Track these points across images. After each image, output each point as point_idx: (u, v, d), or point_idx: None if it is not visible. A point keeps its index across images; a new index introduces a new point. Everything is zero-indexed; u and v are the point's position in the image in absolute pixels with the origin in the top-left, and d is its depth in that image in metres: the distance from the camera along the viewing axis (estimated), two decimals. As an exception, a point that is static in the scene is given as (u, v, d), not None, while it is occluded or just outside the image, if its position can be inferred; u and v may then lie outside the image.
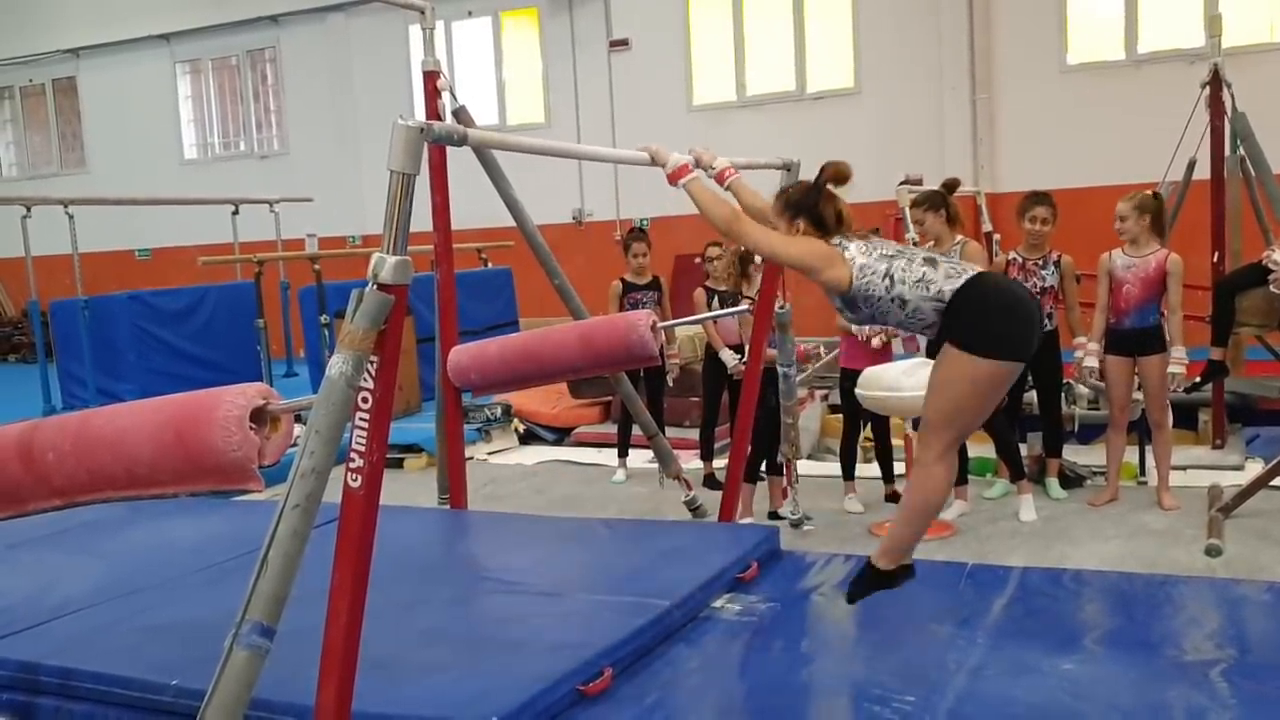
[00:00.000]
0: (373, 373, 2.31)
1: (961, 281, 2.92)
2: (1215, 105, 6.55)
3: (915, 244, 6.22)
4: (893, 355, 5.62)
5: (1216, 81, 6.53)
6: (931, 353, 3.24)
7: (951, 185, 5.62)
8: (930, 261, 2.98)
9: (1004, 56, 11.45)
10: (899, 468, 5.75)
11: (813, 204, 3.12)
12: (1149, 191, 5.62)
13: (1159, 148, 7.12)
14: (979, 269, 3.10)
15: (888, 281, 2.96)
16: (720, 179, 3.56)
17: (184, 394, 2.63)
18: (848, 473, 5.70)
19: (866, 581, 3.21)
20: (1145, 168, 7.80)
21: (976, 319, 2.90)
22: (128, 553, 4.27)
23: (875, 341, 5.54)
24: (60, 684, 3.03)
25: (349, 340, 2.26)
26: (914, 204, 5.59)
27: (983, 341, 2.88)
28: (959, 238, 5.52)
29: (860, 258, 3.01)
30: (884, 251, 3.03)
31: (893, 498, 5.63)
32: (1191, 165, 6.97)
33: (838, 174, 3.21)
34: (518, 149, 2.92)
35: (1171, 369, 5.32)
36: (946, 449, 3.03)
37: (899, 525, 3.19)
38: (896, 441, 6.13)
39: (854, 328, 5.51)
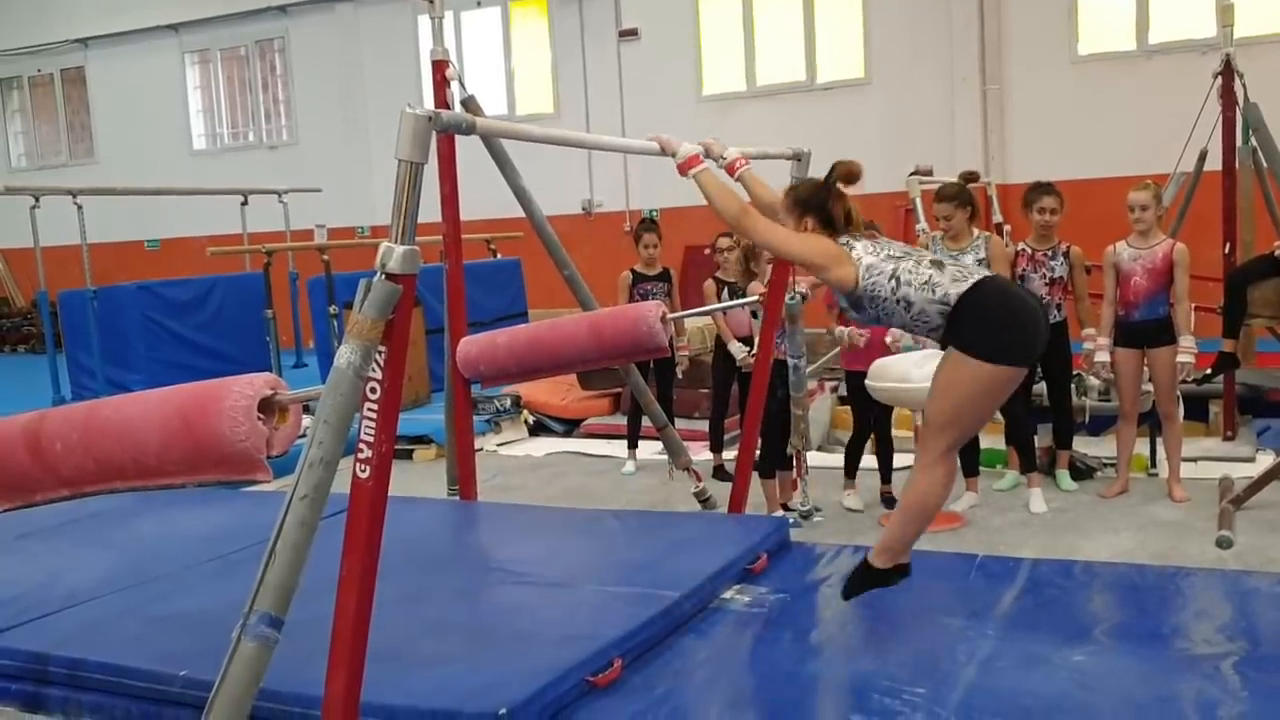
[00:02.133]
0: (381, 363, 2.30)
1: (967, 285, 2.91)
2: (1227, 96, 6.51)
3: (925, 232, 6.19)
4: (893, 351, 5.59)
5: (1228, 72, 6.48)
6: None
7: (971, 177, 5.57)
8: (937, 264, 2.97)
9: (1015, 47, 11.40)
10: (899, 460, 5.72)
11: (821, 202, 3.11)
12: (1152, 181, 5.60)
13: (1170, 138, 7.08)
14: (985, 273, 3.08)
15: (893, 283, 2.96)
16: (730, 170, 3.54)
17: (192, 384, 2.63)
18: (850, 471, 5.67)
19: (862, 579, 3.22)
20: (1156, 159, 7.76)
21: (981, 324, 2.89)
22: (136, 543, 4.27)
23: (861, 343, 5.49)
24: (69, 674, 3.03)
25: (357, 330, 2.25)
26: (940, 198, 5.49)
27: (988, 346, 2.88)
28: (979, 233, 5.49)
29: (867, 257, 3.00)
30: (891, 252, 3.02)
31: (886, 498, 5.59)
32: (1203, 156, 6.92)
33: (848, 173, 3.20)
34: (525, 138, 2.91)
35: (1180, 358, 5.29)
36: (948, 450, 3.03)
37: (896, 524, 3.19)
38: (904, 432, 6.11)
39: (838, 332, 5.49)
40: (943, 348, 3.02)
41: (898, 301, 2.95)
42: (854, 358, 5.58)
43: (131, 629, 3.26)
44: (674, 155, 3.29)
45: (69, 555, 4.12)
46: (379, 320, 2.26)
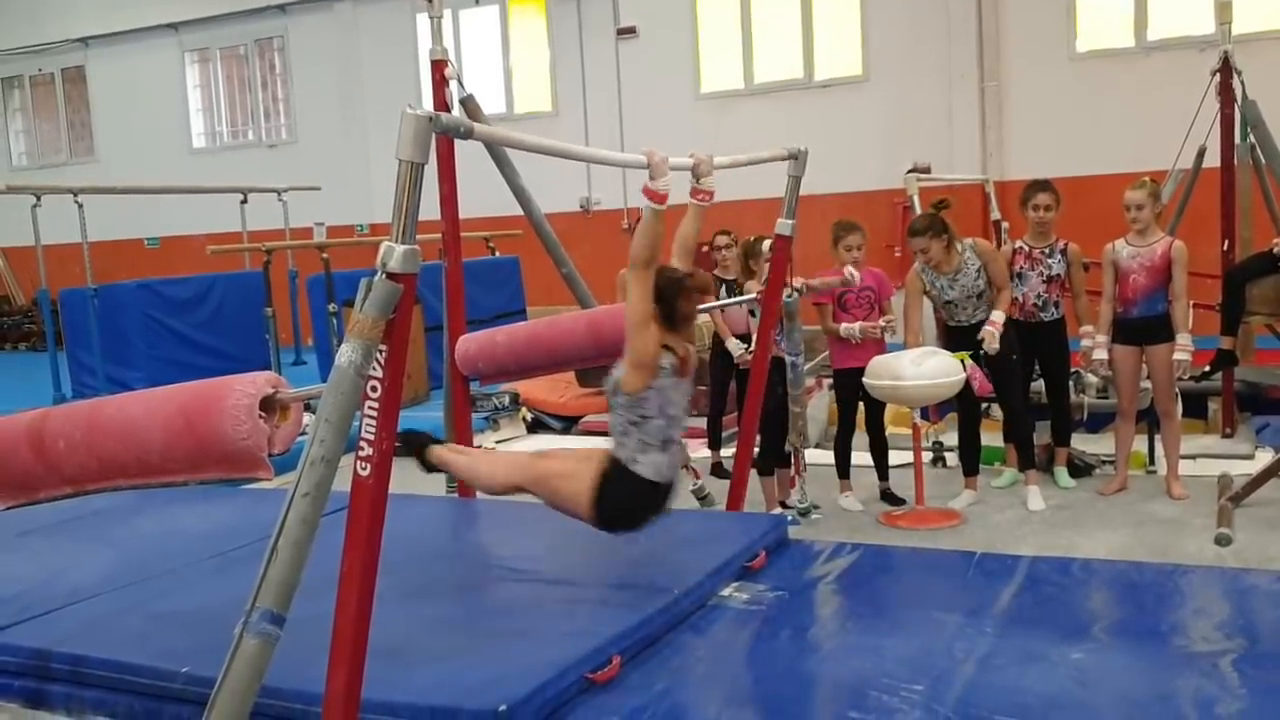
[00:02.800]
0: (381, 361, 2.31)
1: (651, 477, 3.19)
2: (1225, 93, 6.52)
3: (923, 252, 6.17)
4: (886, 347, 5.61)
5: (1227, 69, 6.49)
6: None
7: (942, 204, 5.56)
8: (665, 445, 3.22)
9: (1013, 44, 11.40)
10: (891, 457, 5.74)
11: (672, 295, 3.22)
12: (1150, 178, 5.61)
13: (1168, 135, 7.08)
14: (673, 478, 3.30)
15: (638, 421, 3.18)
16: (694, 193, 3.61)
17: (194, 382, 2.65)
18: (842, 471, 5.68)
19: (411, 448, 3.61)
20: (1154, 156, 7.76)
21: (620, 496, 3.21)
22: (138, 540, 4.28)
23: (843, 329, 5.53)
24: (71, 671, 3.04)
25: (358, 329, 2.26)
26: (912, 233, 5.51)
27: (604, 504, 3.21)
28: (963, 245, 5.50)
29: (653, 396, 3.18)
30: (667, 405, 3.21)
31: (886, 495, 5.60)
32: (1201, 153, 6.93)
33: (701, 285, 3.39)
34: (521, 147, 2.92)
35: (1177, 356, 5.30)
36: (516, 487, 3.42)
37: (460, 461, 3.65)
38: (903, 430, 6.13)
39: (841, 329, 5.50)
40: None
41: (624, 423, 3.20)
42: (843, 356, 5.59)
43: (134, 626, 3.26)
44: (651, 177, 3.26)
45: (71, 552, 4.13)
46: (380, 319, 2.28)
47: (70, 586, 3.65)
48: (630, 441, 3.18)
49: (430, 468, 3.61)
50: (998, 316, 5.38)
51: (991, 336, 5.33)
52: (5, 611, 3.40)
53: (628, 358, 3.19)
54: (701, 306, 5.85)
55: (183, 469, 2.54)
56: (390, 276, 2.29)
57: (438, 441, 3.64)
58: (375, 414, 2.32)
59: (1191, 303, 5.45)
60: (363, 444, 2.33)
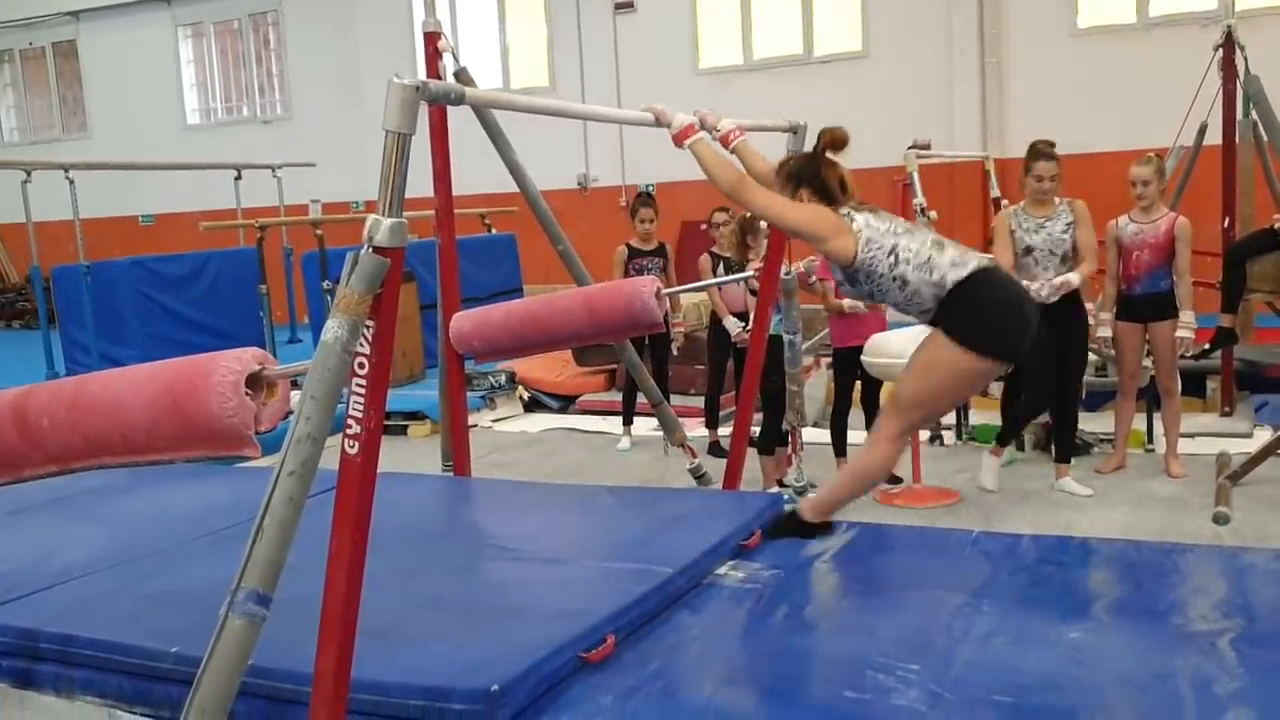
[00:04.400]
0: (369, 338, 2.27)
1: (966, 271, 2.88)
2: (1228, 68, 6.46)
3: (924, 210, 6.16)
4: (886, 325, 5.57)
5: (1229, 44, 6.43)
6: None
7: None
8: (938, 245, 2.94)
9: (1014, 19, 11.31)
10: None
11: (815, 172, 3.08)
12: (1155, 154, 5.55)
13: (1170, 112, 7.03)
14: (985, 260, 2.99)
15: (892, 259, 2.93)
16: (725, 142, 3.48)
17: (179, 359, 2.60)
18: (839, 449, 5.65)
19: (787, 526, 3.34)
20: (1156, 132, 7.72)
21: (972, 312, 2.88)
22: (128, 520, 4.25)
23: (847, 304, 5.47)
24: (60, 651, 3.02)
25: (344, 304, 2.22)
26: (1040, 154, 5.28)
27: (974, 335, 2.87)
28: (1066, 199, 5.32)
29: (867, 230, 2.97)
30: (892, 228, 2.98)
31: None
32: (1203, 130, 6.88)
33: (835, 140, 3.18)
34: (515, 108, 2.86)
35: (1180, 334, 5.26)
36: (906, 429, 3.09)
37: (834, 484, 3.25)
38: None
39: (846, 303, 5.46)
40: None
41: (894, 279, 2.93)
42: (844, 335, 5.56)
43: (123, 605, 3.24)
44: (668, 126, 3.24)
45: (60, 532, 4.10)
46: (366, 294, 2.23)
47: (59, 566, 3.62)
48: (914, 279, 2.88)
49: (822, 526, 3.39)
50: (1073, 277, 5.08)
51: (1051, 287, 5.04)
52: (-7, 590, 3.38)
53: (814, 241, 3.00)
54: (699, 284, 5.90)
55: (169, 447, 2.50)
56: (377, 251, 2.25)
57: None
58: (363, 391, 2.28)
59: (1192, 280, 5.41)
60: (350, 422, 2.29)
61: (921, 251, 2.90)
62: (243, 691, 2.30)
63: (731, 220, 6.08)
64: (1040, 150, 5.33)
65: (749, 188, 3.07)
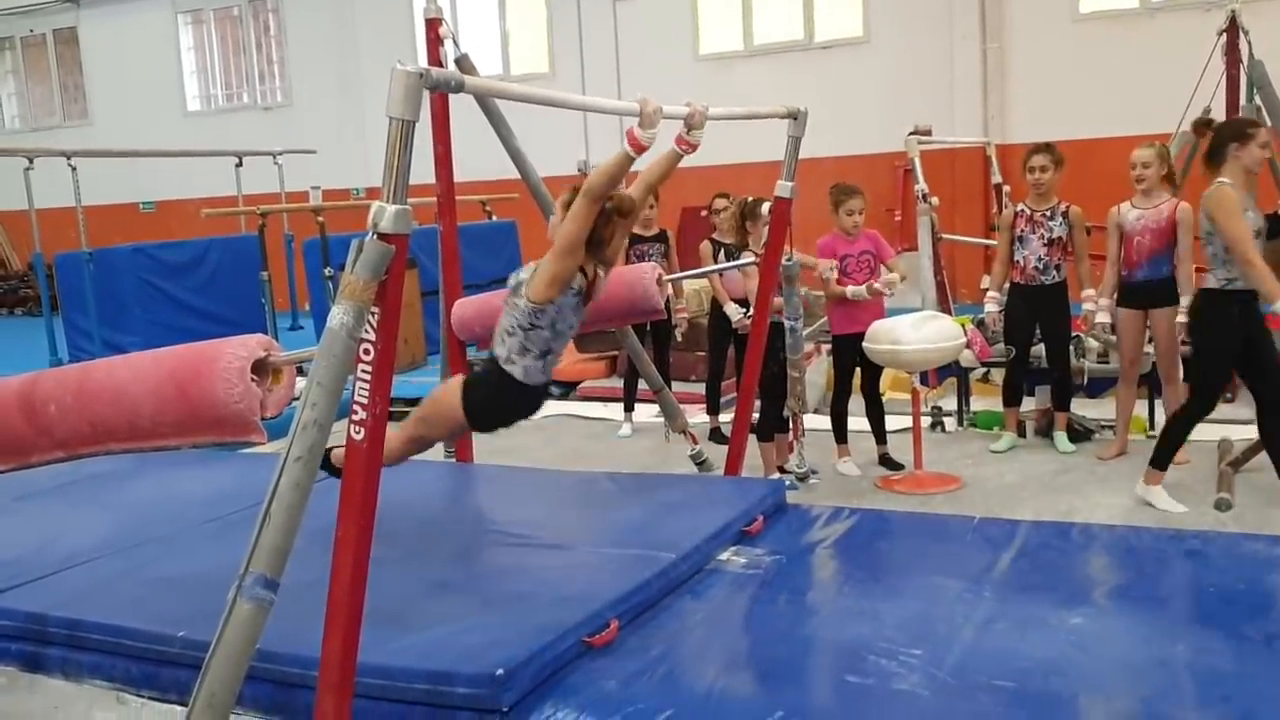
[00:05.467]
0: (374, 324, 2.28)
1: (520, 377, 3.19)
2: (1231, 53, 6.44)
3: (925, 195, 6.15)
4: (884, 312, 5.58)
5: (1233, 29, 6.41)
6: None
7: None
8: (545, 356, 3.23)
9: (1015, 4, 11.28)
10: (890, 422, 5.72)
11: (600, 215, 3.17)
12: (1159, 142, 5.56)
13: (1173, 98, 7.01)
14: (545, 382, 3.29)
15: (527, 329, 3.17)
16: (678, 141, 3.48)
17: (185, 345, 2.62)
18: (840, 435, 5.67)
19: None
20: (1159, 118, 7.69)
21: (490, 389, 3.23)
22: (134, 505, 4.27)
23: (850, 291, 5.52)
24: (68, 635, 3.04)
25: (349, 291, 2.23)
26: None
27: (476, 397, 3.22)
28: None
29: (551, 312, 3.16)
30: (559, 323, 3.19)
31: (884, 459, 5.58)
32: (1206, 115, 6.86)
33: (620, 205, 3.26)
34: (514, 97, 2.87)
35: (1180, 319, 5.26)
36: (413, 439, 3.37)
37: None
38: (901, 395, 6.11)
39: (849, 290, 5.47)
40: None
41: (513, 327, 3.18)
42: (844, 321, 5.57)
43: (130, 590, 3.26)
44: (640, 125, 3.18)
45: (67, 517, 4.13)
46: (371, 281, 2.24)
47: (67, 551, 3.64)
48: (512, 342, 3.19)
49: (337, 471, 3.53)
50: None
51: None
52: (2, 575, 3.40)
53: (544, 271, 3.16)
54: (700, 271, 5.89)
55: (175, 433, 2.52)
56: (381, 237, 2.25)
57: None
58: (368, 377, 2.29)
59: (1195, 267, 5.41)
60: (356, 408, 2.30)
61: (534, 349, 3.19)
62: (250, 675, 2.32)
63: (732, 205, 6.08)
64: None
65: (591, 206, 3.11)
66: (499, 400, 3.25)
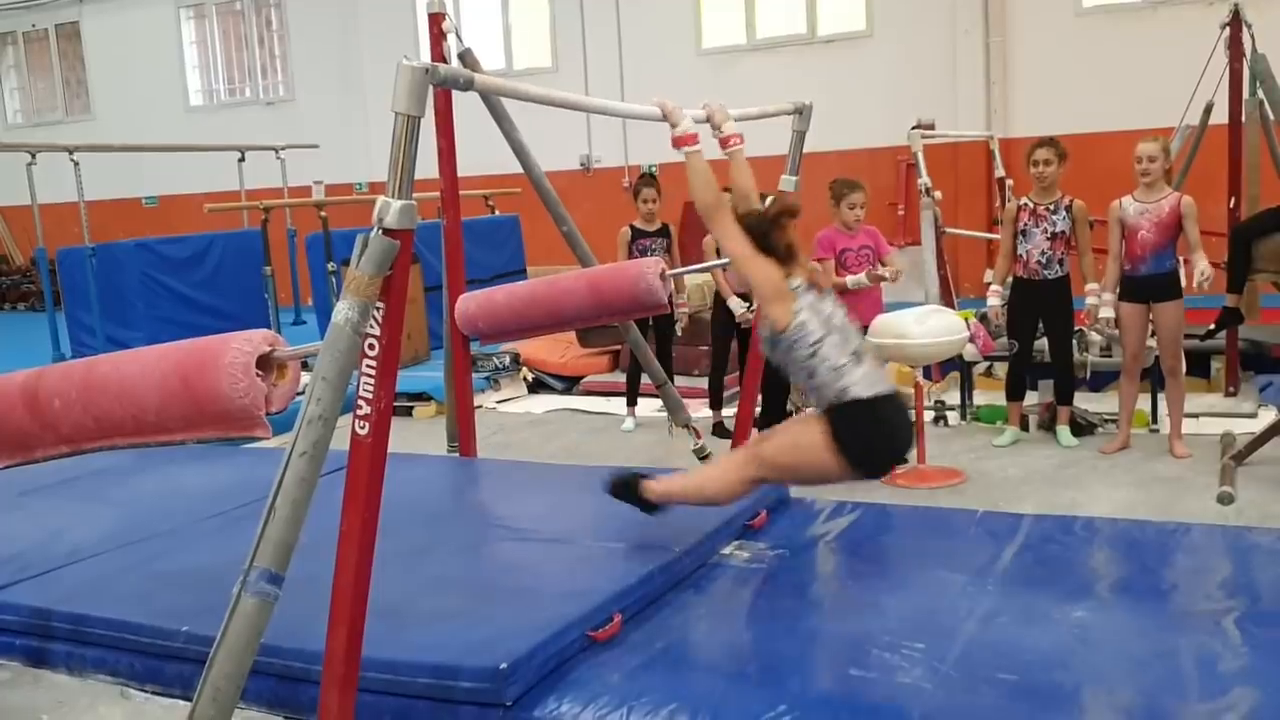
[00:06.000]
0: (379, 319, 2.28)
1: (869, 394, 2.97)
2: (1235, 47, 6.43)
3: (929, 189, 6.16)
4: (883, 304, 5.59)
5: (1237, 22, 6.40)
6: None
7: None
8: (857, 358, 3.01)
9: (1019, -1, 11.26)
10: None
11: (764, 233, 3.10)
12: (1161, 136, 5.55)
13: (1176, 91, 7.00)
14: (890, 389, 3.07)
15: (812, 350, 3.00)
16: (725, 144, 3.50)
17: (190, 340, 2.62)
18: None
19: (628, 494, 3.40)
20: (1162, 112, 7.68)
21: (858, 426, 2.99)
22: (138, 500, 4.28)
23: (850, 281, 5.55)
24: (72, 630, 3.05)
25: (354, 286, 2.23)
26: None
27: (849, 445, 2.98)
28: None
29: (805, 314, 3.01)
30: (828, 319, 3.03)
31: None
32: (1208, 109, 6.86)
33: (788, 208, 3.22)
34: (524, 97, 2.86)
35: (1200, 268, 5.19)
36: (753, 480, 3.18)
37: (685, 482, 3.36)
38: (902, 388, 6.10)
39: (849, 280, 5.48)
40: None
41: (804, 367, 3.02)
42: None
43: (134, 585, 3.27)
44: (673, 126, 3.23)
45: (71, 512, 4.13)
46: (376, 276, 2.24)
47: (71, 545, 3.65)
48: (822, 375, 2.98)
49: (654, 508, 3.40)
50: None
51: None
52: (6, 570, 3.41)
53: (759, 297, 3.09)
54: (703, 265, 5.89)
55: (180, 428, 2.52)
56: (386, 232, 2.25)
57: (644, 476, 3.44)
58: (373, 372, 2.30)
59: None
60: (361, 403, 2.31)
61: (839, 359, 3.00)
62: (254, 670, 2.32)
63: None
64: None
65: (722, 215, 3.10)
66: (873, 431, 3.02)
